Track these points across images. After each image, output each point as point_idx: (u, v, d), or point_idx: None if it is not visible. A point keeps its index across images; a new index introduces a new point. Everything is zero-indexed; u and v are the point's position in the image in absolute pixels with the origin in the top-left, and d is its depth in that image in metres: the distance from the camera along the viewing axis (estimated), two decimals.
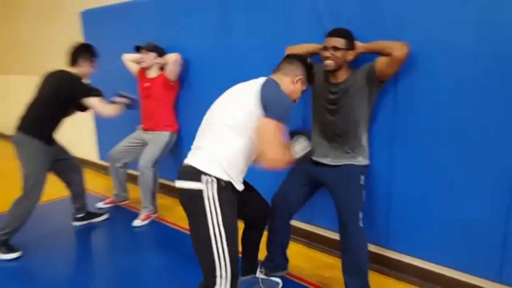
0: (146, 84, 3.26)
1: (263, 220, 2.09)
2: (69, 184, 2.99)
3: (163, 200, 3.59)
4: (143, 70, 3.27)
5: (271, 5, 2.57)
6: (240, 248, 1.78)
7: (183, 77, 3.31)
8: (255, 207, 2.01)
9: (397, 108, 2.13)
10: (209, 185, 1.57)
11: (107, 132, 4.26)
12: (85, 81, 2.85)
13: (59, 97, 2.64)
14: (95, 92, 2.74)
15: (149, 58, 3.16)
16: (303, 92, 1.87)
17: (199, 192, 1.56)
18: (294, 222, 2.72)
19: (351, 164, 2.11)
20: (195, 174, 1.58)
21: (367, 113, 2.10)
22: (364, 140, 2.13)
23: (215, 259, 1.56)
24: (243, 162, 1.66)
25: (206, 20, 3.02)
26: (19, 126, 2.62)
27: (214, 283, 1.57)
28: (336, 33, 2.04)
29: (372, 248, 2.33)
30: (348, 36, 2.04)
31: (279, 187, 2.23)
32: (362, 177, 2.08)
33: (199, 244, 1.61)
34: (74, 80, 2.69)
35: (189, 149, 1.74)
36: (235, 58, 2.85)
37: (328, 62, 2.04)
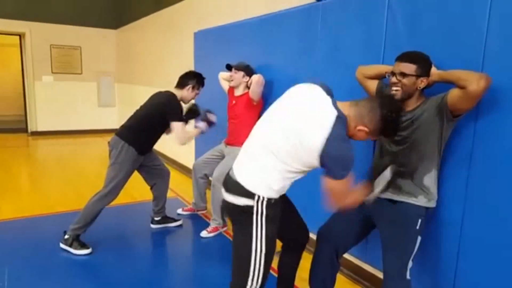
0: (233, 102, 3.38)
1: (301, 243, 2.00)
2: (152, 187, 3.26)
3: None
4: (232, 89, 3.40)
5: (354, 27, 2.44)
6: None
7: (267, 97, 3.34)
8: (293, 229, 1.95)
9: (477, 146, 1.80)
10: (259, 203, 1.59)
11: (204, 141, 4.54)
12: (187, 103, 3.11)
13: (160, 114, 2.89)
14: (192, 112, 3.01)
15: (238, 77, 3.28)
16: (368, 139, 1.69)
17: (250, 208, 1.59)
18: (354, 260, 2.55)
19: (409, 203, 1.82)
20: (246, 192, 1.60)
21: (436, 149, 1.80)
22: (430, 178, 1.82)
23: (250, 272, 1.62)
24: (291, 182, 1.67)
25: (291, 43, 3.01)
26: (119, 131, 2.94)
27: None
28: (406, 57, 1.79)
29: None
30: (421, 61, 1.77)
31: (329, 217, 2.05)
32: (420, 221, 1.78)
33: (238, 254, 1.68)
34: (173, 102, 2.92)
35: None
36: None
37: (395, 89, 1.80)
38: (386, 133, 1.62)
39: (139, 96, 7.28)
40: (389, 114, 1.54)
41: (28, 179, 5.02)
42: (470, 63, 1.76)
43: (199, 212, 3.71)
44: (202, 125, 3.12)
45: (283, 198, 1.72)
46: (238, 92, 3.35)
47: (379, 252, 2.21)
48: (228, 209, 1.71)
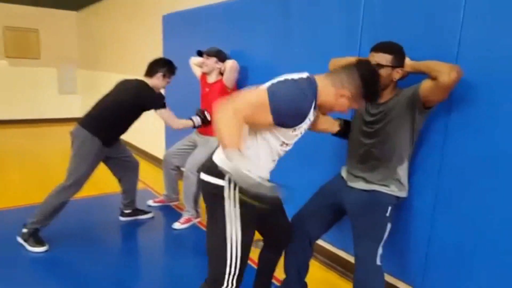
0: (206, 90, 3.25)
1: (284, 242, 1.94)
2: (121, 180, 3.09)
3: None
4: (205, 75, 3.27)
5: (331, 17, 2.39)
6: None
7: (242, 84, 3.24)
8: (277, 227, 1.87)
9: (449, 138, 1.83)
10: (232, 184, 1.47)
11: (174, 131, 4.38)
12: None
13: (132, 104, 2.72)
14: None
15: (210, 63, 3.14)
16: (354, 108, 1.61)
17: (221, 189, 1.49)
18: (328, 246, 2.57)
19: (380, 192, 1.83)
20: (218, 171, 1.48)
21: (408, 140, 1.81)
22: (402, 169, 1.84)
23: (227, 262, 1.52)
24: (266, 161, 1.56)
25: (267, 28, 2.91)
26: (82, 121, 2.74)
27: (222, 285, 1.54)
28: (382, 47, 1.76)
29: (401, 286, 2.16)
30: (396, 51, 1.75)
31: (302, 206, 2.04)
32: (390, 208, 1.80)
33: (213, 243, 1.57)
34: (150, 91, 2.78)
35: None
36: (292, 68, 2.65)
37: None
38: (367, 95, 1.52)
39: (104, 83, 6.95)
40: (367, 73, 1.50)
41: None
42: (445, 54, 1.77)
43: (171, 204, 3.59)
44: (195, 119, 3.02)
45: None
46: (211, 79, 3.21)
47: (335, 230, 2.25)
48: (202, 191, 1.62)
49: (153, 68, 2.89)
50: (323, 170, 2.39)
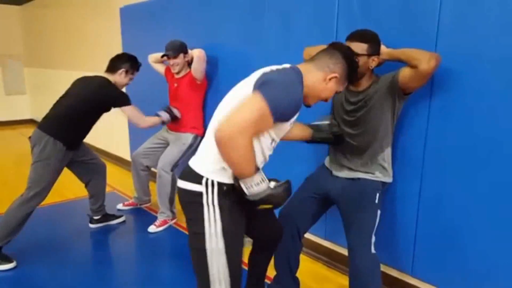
0: (175, 85, 3.10)
1: (274, 243, 1.84)
2: (87, 184, 2.88)
3: None
4: (170, 69, 3.10)
5: (305, 4, 2.33)
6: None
7: (211, 76, 3.11)
8: (266, 227, 1.76)
9: (432, 123, 1.85)
10: (209, 189, 1.36)
11: (139, 130, 4.18)
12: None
13: (94, 102, 2.53)
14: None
15: (179, 61, 2.96)
16: (337, 92, 1.53)
17: (199, 196, 1.37)
18: (313, 238, 2.54)
19: (366, 179, 1.85)
20: (195, 175, 1.38)
21: (390, 126, 1.83)
22: (385, 155, 1.86)
23: (210, 277, 1.38)
24: (258, 163, 1.42)
25: (237, 17, 2.80)
26: (41, 124, 2.51)
27: None
28: (357, 36, 1.75)
29: (393, 273, 2.15)
30: (371, 40, 1.75)
31: (288, 200, 1.95)
32: (378, 194, 1.81)
33: (194, 256, 1.44)
34: (114, 88, 2.60)
35: None
36: (266, 58, 2.59)
37: None
38: (352, 75, 1.50)
39: (56, 82, 6.53)
40: (349, 53, 1.49)
41: None
42: (424, 41, 1.78)
43: (142, 206, 3.41)
44: (163, 114, 2.90)
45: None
46: (180, 73, 3.06)
47: (337, 227, 2.24)
48: (180, 199, 1.49)
49: (115, 64, 2.69)
50: (308, 162, 2.35)
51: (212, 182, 1.36)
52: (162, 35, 3.43)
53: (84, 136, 2.66)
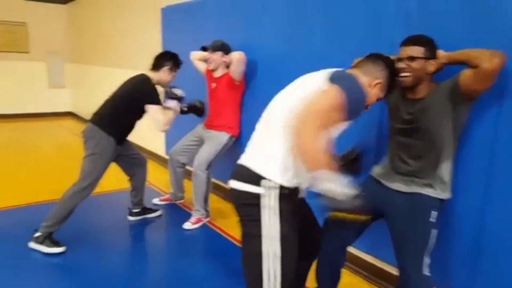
0: (213, 85, 3.16)
1: (315, 249, 1.80)
2: (131, 178, 3.01)
3: (219, 204, 3.48)
4: (210, 70, 3.16)
5: (353, 2, 2.25)
6: None
7: (249, 77, 3.15)
8: (307, 232, 1.71)
9: (500, 133, 1.68)
10: (270, 191, 1.34)
11: (175, 126, 4.26)
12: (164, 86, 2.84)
13: (131, 98, 2.64)
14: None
15: (216, 58, 3.03)
16: (378, 100, 1.55)
17: (257, 198, 1.35)
18: (353, 250, 2.44)
19: (422, 194, 1.69)
20: (253, 176, 1.37)
21: (451, 137, 1.68)
22: (445, 168, 1.70)
23: (264, 280, 1.36)
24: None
25: (278, 17, 2.80)
26: (93, 119, 2.64)
27: None
28: (412, 40, 1.67)
29: None
30: (427, 43, 1.66)
31: None
32: (435, 213, 1.66)
33: (248, 258, 1.42)
34: (148, 84, 2.66)
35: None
36: (309, 59, 2.54)
37: (404, 75, 1.65)
38: (392, 84, 1.55)
39: (95, 77, 6.77)
40: (391, 62, 1.55)
41: None
42: (500, 42, 1.59)
43: (176, 202, 3.50)
44: (172, 103, 2.79)
45: (299, 197, 1.51)
46: (218, 73, 3.12)
47: (378, 240, 2.16)
48: (233, 201, 1.47)
49: (159, 61, 2.79)
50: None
51: (274, 184, 1.34)
52: (201, 36, 3.50)
53: (130, 132, 2.77)
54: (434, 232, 1.65)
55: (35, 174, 4.24)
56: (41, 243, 2.50)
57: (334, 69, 1.43)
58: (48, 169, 4.47)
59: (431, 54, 1.65)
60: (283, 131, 1.34)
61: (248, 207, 1.39)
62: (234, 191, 1.44)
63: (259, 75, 3.09)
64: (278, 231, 1.35)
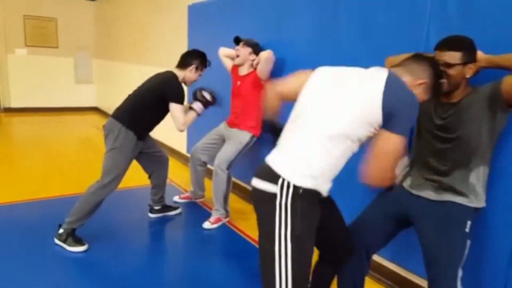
0: (238, 83, 3.12)
1: (343, 255, 1.73)
2: (151, 175, 2.99)
3: (239, 204, 3.44)
4: (236, 68, 3.13)
5: (388, 3, 2.16)
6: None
7: (276, 76, 3.08)
8: (335, 236, 1.66)
9: None
10: (284, 190, 1.33)
11: (197, 124, 4.25)
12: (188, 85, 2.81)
13: (157, 94, 2.61)
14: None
15: (244, 52, 2.99)
16: (422, 101, 1.45)
17: (273, 197, 1.34)
18: (376, 258, 2.36)
19: (455, 203, 1.61)
20: (272, 175, 1.36)
21: (487, 143, 1.59)
22: (480, 176, 1.61)
23: (276, 280, 1.34)
24: (338, 168, 1.41)
25: (307, 15, 2.73)
26: (114, 114, 2.62)
27: None
28: (448, 44, 1.56)
29: None
30: (464, 47, 1.54)
31: (359, 214, 1.85)
32: (469, 223, 1.57)
33: (262, 259, 1.41)
34: (175, 81, 2.64)
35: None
36: (336, 59, 2.42)
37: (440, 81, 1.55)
38: (436, 88, 1.48)
39: (120, 74, 6.85)
40: (436, 63, 1.49)
41: (3, 161, 4.59)
42: None
43: (197, 201, 3.48)
44: (197, 106, 2.76)
45: (325, 199, 1.46)
46: (244, 71, 3.08)
47: (403, 248, 2.09)
48: (252, 198, 1.47)
49: (186, 59, 2.77)
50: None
51: (288, 184, 1.32)
52: (228, 34, 3.45)
53: (152, 128, 2.75)
54: (468, 243, 1.57)
55: (62, 167, 4.31)
56: (64, 240, 2.50)
57: (383, 77, 1.33)
58: (74, 163, 4.53)
59: (470, 58, 1.55)
60: (325, 142, 1.34)
61: (264, 206, 1.38)
62: (253, 189, 1.44)
63: (286, 75, 3.02)
64: (290, 230, 1.33)
